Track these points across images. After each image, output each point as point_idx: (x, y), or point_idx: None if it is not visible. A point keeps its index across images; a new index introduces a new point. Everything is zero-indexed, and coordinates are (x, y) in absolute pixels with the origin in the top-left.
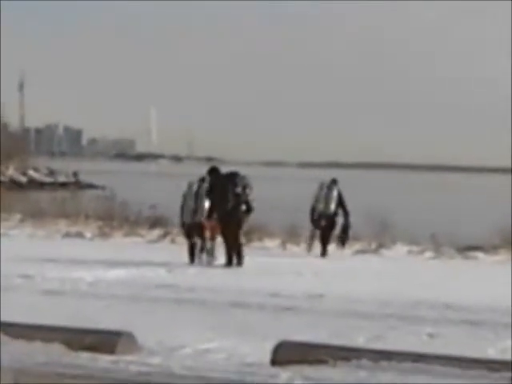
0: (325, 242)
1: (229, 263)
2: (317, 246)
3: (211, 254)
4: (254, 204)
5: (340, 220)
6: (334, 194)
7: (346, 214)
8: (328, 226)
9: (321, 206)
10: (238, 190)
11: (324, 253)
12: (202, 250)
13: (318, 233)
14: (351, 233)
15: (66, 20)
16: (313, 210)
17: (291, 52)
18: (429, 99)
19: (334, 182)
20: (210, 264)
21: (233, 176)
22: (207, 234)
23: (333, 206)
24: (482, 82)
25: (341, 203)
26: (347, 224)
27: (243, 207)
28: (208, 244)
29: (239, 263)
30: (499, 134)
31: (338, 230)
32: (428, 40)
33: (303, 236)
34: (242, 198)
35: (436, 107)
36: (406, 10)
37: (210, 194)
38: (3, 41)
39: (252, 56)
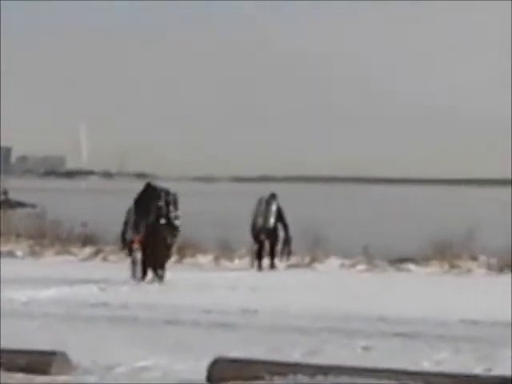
0: (263, 256)
1: (157, 278)
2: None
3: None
4: (178, 222)
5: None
6: (273, 208)
7: (286, 228)
8: (268, 239)
9: (260, 221)
10: (160, 203)
11: (260, 267)
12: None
13: (257, 247)
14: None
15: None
16: (253, 224)
17: (221, 63)
18: (363, 110)
19: (272, 196)
20: (139, 279)
21: (159, 191)
22: (135, 248)
23: (272, 220)
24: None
25: (280, 217)
26: (288, 238)
27: (162, 221)
28: (137, 259)
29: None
30: (431, 145)
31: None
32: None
33: (236, 251)
34: (161, 212)
35: (370, 120)
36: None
37: (136, 208)
38: None
39: (181, 68)
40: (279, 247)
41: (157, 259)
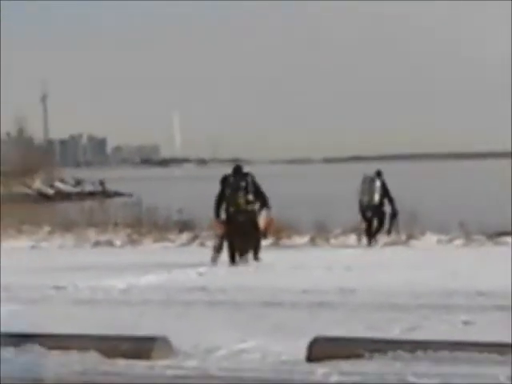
0: (372, 233)
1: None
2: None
3: (218, 251)
4: (250, 207)
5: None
6: (377, 185)
7: (392, 202)
8: (374, 216)
9: (366, 198)
10: (227, 191)
11: (370, 243)
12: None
13: (365, 224)
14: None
15: (88, 29)
16: (360, 202)
17: (309, 50)
18: (451, 86)
19: (378, 174)
20: (214, 261)
21: (232, 177)
22: (218, 230)
23: (377, 197)
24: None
25: (386, 193)
26: (394, 212)
27: (231, 209)
28: (216, 241)
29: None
30: None
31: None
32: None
33: (332, 231)
34: (230, 199)
35: (457, 94)
36: None
37: (220, 191)
38: (25, 52)
39: (271, 54)
40: (386, 222)
41: (242, 244)
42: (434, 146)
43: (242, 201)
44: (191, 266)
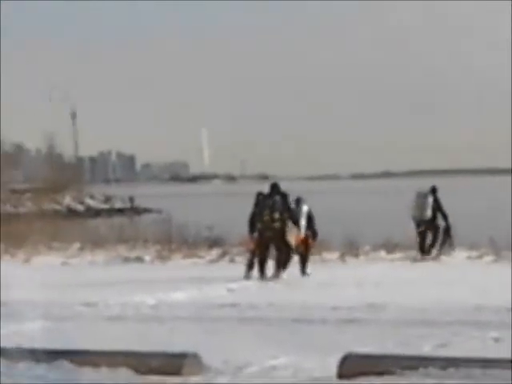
0: (426, 247)
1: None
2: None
3: (250, 266)
4: (277, 224)
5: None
6: (429, 200)
7: (446, 218)
8: (428, 230)
9: (417, 213)
10: (256, 210)
11: (425, 254)
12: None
13: (418, 239)
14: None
15: (116, 46)
16: (413, 217)
17: (340, 65)
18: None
19: (432, 190)
20: (247, 277)
21: (265, 195)
22: (249, 246)
23: (429, 212)
24: None
25: (438, 208)
26: (448, 227)
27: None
28: (250, 257)
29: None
30: None
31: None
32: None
33: (361, 248)
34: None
35: (490, 111)
36: None
37: (254, 208)
38: (54, 70)
39: (299, 70)
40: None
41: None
42: (462, 161)
43: (267, 218)
44: (221, 281)
